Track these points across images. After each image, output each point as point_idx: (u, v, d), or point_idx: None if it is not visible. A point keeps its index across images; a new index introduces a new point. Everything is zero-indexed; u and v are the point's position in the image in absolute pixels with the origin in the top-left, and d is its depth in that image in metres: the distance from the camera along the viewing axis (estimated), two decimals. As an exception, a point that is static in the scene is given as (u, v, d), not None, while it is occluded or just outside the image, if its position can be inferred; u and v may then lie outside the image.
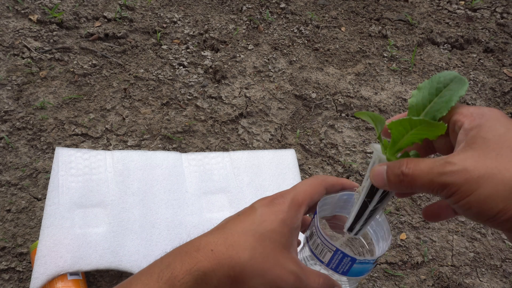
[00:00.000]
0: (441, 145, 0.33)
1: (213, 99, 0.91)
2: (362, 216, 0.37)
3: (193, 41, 1.00)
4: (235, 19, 1.07)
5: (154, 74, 0.93)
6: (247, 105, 0.91)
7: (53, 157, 0.75)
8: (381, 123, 0.33)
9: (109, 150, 0.80)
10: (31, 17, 0.95)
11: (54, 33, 0.94)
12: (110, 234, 0.67)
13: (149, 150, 0.81)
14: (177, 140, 0.84)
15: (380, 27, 1.13)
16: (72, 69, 0.89)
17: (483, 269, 0.78)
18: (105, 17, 0.99)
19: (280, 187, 0.78)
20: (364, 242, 0.48)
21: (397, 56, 1.08)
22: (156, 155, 0.77)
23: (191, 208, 0.73)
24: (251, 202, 0.80)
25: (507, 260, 0.80)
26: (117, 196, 0.71)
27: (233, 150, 0.84)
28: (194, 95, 0.91)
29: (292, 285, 0.34)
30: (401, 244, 0.79)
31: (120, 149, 0.81)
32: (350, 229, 0.39)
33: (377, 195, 0.35)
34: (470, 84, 1.04)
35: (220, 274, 0.31)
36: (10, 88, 0.84)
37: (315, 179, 0.40)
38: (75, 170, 0.72)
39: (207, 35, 1.02)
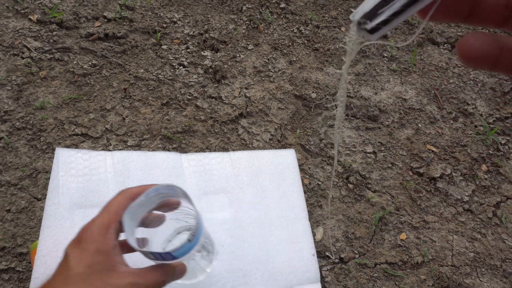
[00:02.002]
0: None
1: (213, 99, 0.91)
2: None
3: (193, 41, 1.00)
4: (235, 19, 1.07)
5: (154, 74, 0.93)
6: (247, 105, 0.91)
7: (53, 157, 0.75)
8: None
9: (109, 150, 0.80)
10: (31, 17, 0.95)
11: (54, 33, 0.94)
12: (110, 234, 0.67)
13: (149, 150, 0.81)
14: (177, 140, 0.84)
15: (380, 27, 1.13)
16: (72, 69, 0.89)
17: (483, 269, 0.78)
18: (105, 17, 0.99)
19: (280, 187, 0.78)
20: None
21: (397, 56, 1.08)
22: (156, 155, 0.77)
23: (191, 208, 0.73)
24: (251, 202, 0.81)
25: (507, 260, 0.80)
26: (117, 196, 0.71)
27: (233, 150, 0.84)
28: (194, 95, 0.91)
29: None
30: (401, 244, 0.79)
31: (120, 149, 0.81)
32: (369, 16, 0.22)
33: None
34: (470, 84, 1.04)
35: None
36: (10, 88, 0.84)
37: (119, 195, 0.44)
38: (75, 170, 0.72)
39: (207, 35, 1.02)
